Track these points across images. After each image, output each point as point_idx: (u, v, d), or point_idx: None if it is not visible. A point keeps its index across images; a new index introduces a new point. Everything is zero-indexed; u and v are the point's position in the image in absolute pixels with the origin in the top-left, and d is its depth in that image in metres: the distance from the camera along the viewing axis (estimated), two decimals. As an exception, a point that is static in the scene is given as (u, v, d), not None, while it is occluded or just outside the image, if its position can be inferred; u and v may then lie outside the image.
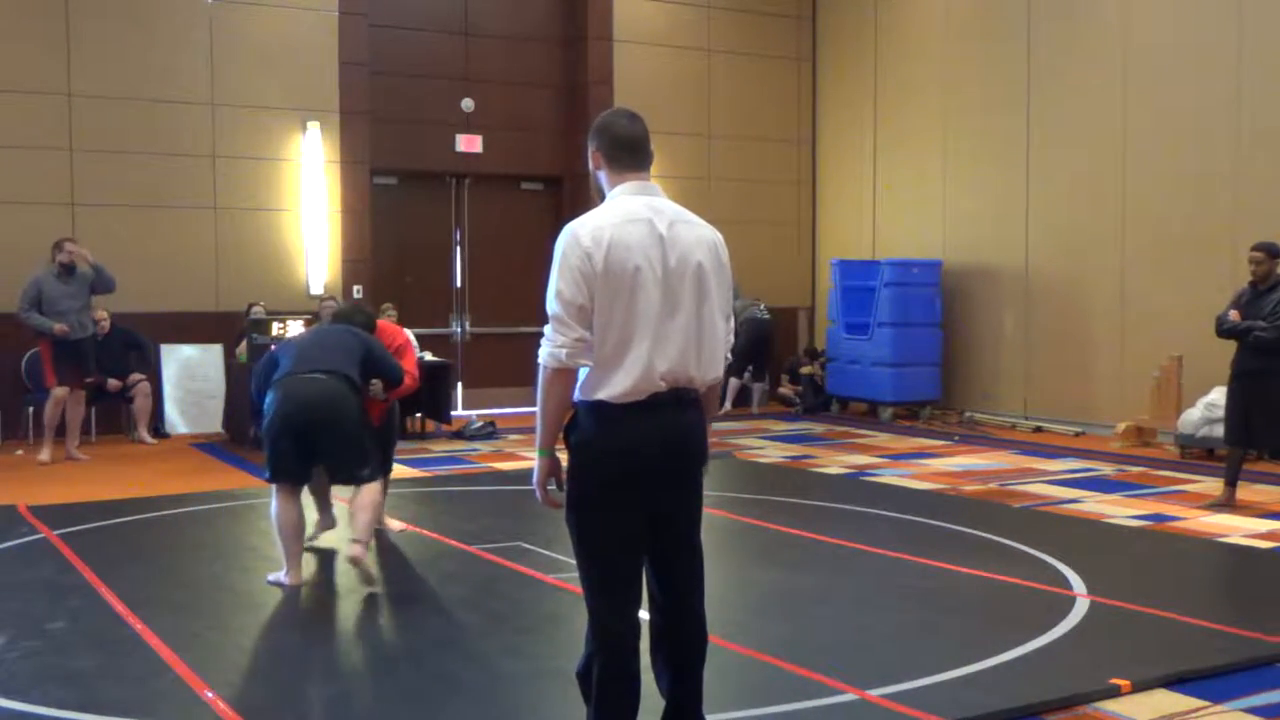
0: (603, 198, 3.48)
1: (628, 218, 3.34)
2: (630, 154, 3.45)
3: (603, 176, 3.50)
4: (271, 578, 6.12)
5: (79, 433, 11.08)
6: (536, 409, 3.39)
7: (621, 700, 3.39)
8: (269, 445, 6.00)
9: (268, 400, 6.01)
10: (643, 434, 3.33)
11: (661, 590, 3.50)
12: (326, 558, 6.76)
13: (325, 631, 5.34)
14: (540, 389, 3.35)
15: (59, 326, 10.09)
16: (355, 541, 5.94)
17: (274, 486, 6.04)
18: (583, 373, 3.35)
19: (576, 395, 3.37)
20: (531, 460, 3.48)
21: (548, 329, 3.31)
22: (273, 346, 6.57)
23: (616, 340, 3.30)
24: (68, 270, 10.23)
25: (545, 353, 3.31)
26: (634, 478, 3.35)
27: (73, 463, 10.30)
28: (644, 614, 3.45)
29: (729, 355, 3.56)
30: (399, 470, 9.83)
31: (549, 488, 3.45)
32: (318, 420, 5.91)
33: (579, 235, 3.30)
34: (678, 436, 3.40)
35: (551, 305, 3.30)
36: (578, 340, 3.28)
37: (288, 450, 5.94)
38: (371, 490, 6.09)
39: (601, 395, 3.32)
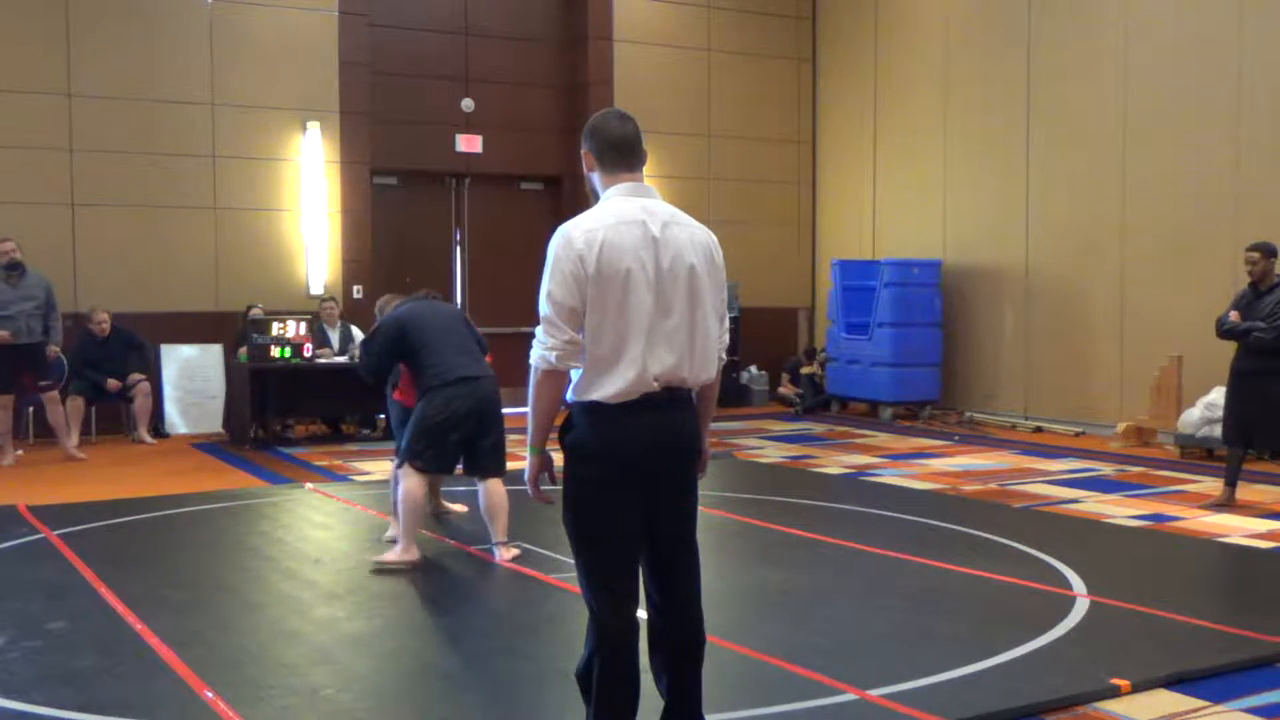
0: (597, 199, 3.49)
1: (621, 219, 3.35)
2: (622, 155, 3.46)
3: (596, 178, 3.51)
4: (381, 559, 6.32)
5: (76, 432, 11.06)
6: (527, 409, 3.41)
7: (621, 700, 3.40)
8: (433, 437, 6.34)
9: (434, 399, 6.34)
10: (637, 433, 3.35)
11: (659, 590, 3.50)
12: (326, 557, 6.76)
13: (325, 631, 5.33)
14: (530, 390, 3.37)
15: (2, 333, 9.84)
16: (505, 544, 6.51)
17: (410, 468, 6.35)
18: (575, 373, 3.36)
19: (570, 395, 3.39)
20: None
21: (539, 330, 3.33)
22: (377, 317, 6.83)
23: (610, 342, 3.31)
24: (14, 271, 9.98)
25: (536, 354, 3.33)
26: (629, 477, 3.36)
27: (72, 461, 10.28)
28: (642, 614, 3.45)
29: (723, 356, 3.57)
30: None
31: (541, 485, 3.47)
32: (486, 420, 6.46)
33: (572, 237, 3.31)
34: (671, 436, 3.42)
35: (543, 307, 3.32)
36: (568, 343, 3.30)
37: (455, 444, 6.41)
38: (501, 491, 6.56)
39: (595, 396, 3.34)
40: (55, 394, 10.41)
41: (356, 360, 6.90)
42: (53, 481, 9.34)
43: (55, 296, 10.33)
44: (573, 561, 3.49)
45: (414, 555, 6.34)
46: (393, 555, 6.36)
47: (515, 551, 6.54)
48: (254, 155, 12.59)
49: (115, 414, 11.82)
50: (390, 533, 7.12)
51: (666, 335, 3.35)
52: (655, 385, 3.34)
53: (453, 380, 6.37)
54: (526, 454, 3.47)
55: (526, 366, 3.39)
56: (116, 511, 7.93)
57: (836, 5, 15.32)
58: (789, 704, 4.22)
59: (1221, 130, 10.92)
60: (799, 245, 15.70)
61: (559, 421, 3.45)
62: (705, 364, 3.46)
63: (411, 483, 6.34)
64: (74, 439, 11.00)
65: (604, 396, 3.33)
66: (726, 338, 3.56)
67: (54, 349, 10.38)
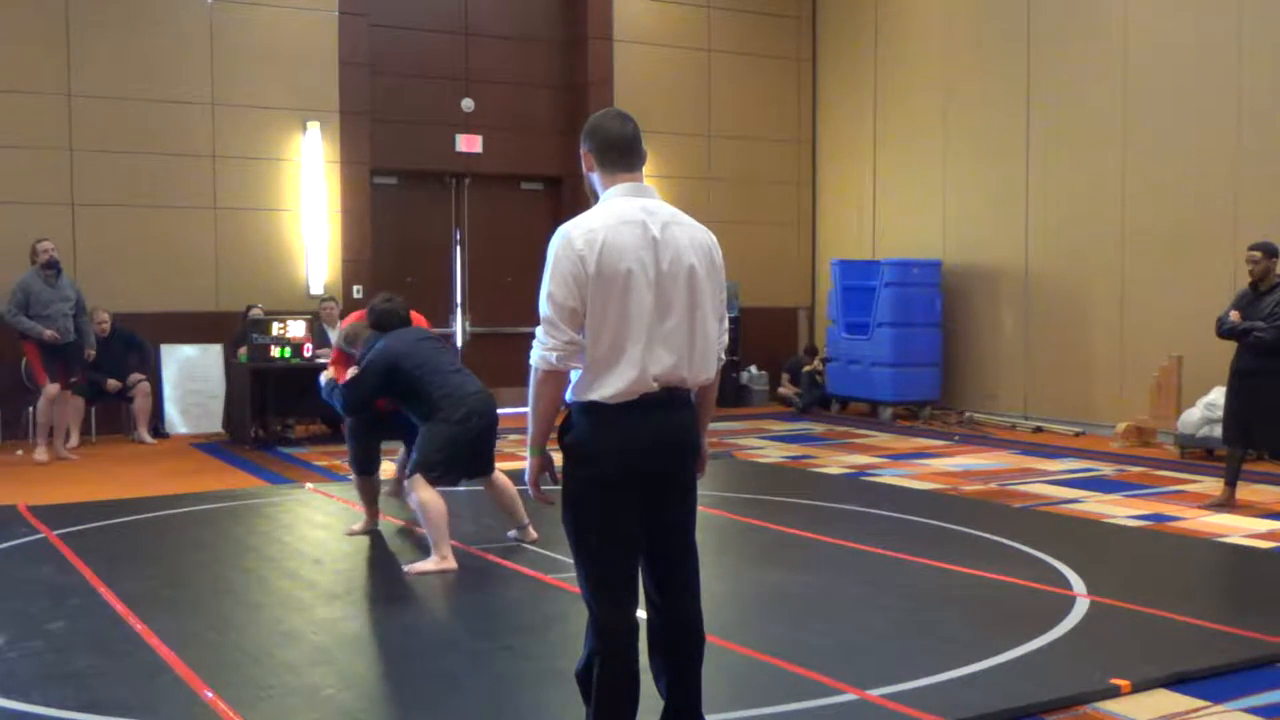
0: (597, 199, 3.49)
1: (621, 220, 3.35)
2: (622, 155, 3.46)
3: (595, 178, 3.51)
4: (415, 568, 6.27)
5: (76, 433, 11.11)
6: (528, 410, 3.41)
7: (621, 700, 3.40)
8: (450, 453, 6.42)
9: (451, 417, 6.39)
10: (636, 434, 3.35)
11: (658, 590, 3.51)
12: (326, 557, 6.77)
13: (324, 632, 5.33)
14: (531, 391, 3.37)
15: (49, 332, 10.06)
16: (526, 526, 6.88)
17: (424, 480, 6.36)
18: (575, 373, 3.37)
19: (570, 396, 3.40)
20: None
21: (539, 331, 3.33)
22: (369, 353, 6.83)
23: (610, 342, 3.31)
24: (51, 270, 10.21)
25: (536, 355, 3.33)
26: (628, 477, 3.36)
27: (64, 462, 10.28)
28: (642, 614, 3.46)
29: (723, 356, 3.58)
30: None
31: (542, 485, 3.48)
32: (493, 430, 6.68)
33: (572, 238, 3.31)
34: (671, 436, 3.42)
35: (544, 308, 3.32)
36: (568, 343, 3.30)
37: (470, 456, 6.56)
38: (506, 479, 6.89)
39: (595, 396, 3.34)
40: (70, 393, 10.59)
41: (339, 397, 6.88)
42: (53, 481, 9.34)
43: (84, 299, 10.58)
44: (572, 561, 3.49)
45: (451, 564, 6.32)
46: (429, 564, 6.30)
47: (533, 532, 6.90)
48: (254, 155, 12.59)
49: (115, 414, 11.82)
50: (357, 525, 7.26)
51: (666, 336, 3.35)
52: (654, 386, 3.35)
53: (466, 396, 6.48)
54: (526, 454, 3.47)
55: (526, 366, 3.40)
56: (116, 511, 7.93)
57: (836, 5, 15.32)
58: (789, 704, 4.22)
59: (1221, 130, 10.92)
60: (799, 245, 15.70)
61: (559, 422, 3.45)
62: (705, 364, 3.47)
63: (427, 493, 6.35)
64: (74, 439, 11.03)
65: (603, 397, 3.33)
66: (725, 338, 3.57)
67: (90, 351, 10.64)
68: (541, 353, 3.32)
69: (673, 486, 3.48)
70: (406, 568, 6.33)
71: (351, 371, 6.84)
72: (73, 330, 10.36)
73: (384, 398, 6.76)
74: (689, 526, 3.54)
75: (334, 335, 11.76)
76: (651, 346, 3.33)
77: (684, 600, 3.51)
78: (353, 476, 7.34)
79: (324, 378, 7.20)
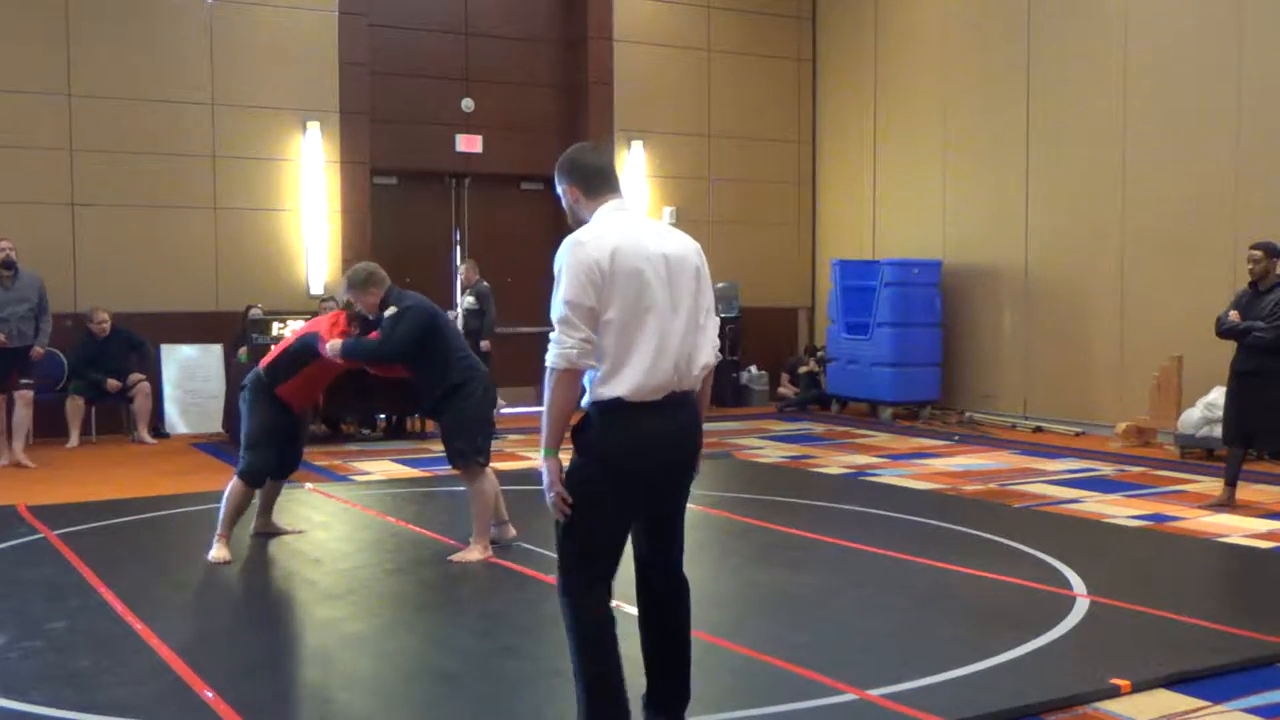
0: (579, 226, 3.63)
1: (626, 225, 3.54)
2: (605, 179, 3.66)
3: (580, 208, 3.66)
4: (460, 558, 6.44)
5: (76, 433, 11.08)
6: (543, 410, 3.49)
7: (611, 691, 3.49)
8: (488, 429, 6.66)
9: (474, 392, 6.45)
10: (651, 432, 3.48)
11: (649, 546, 3.68)
12: (326, 558, 6.76)
13: (325, 631, 5.33)
14: (548, 391, 3.43)
15: None
16: (507, 523, 6.81)
17: (479, 467, 6.47)
18: (590, 374, 3.46)
19: (588, 396, 3.49)
20: (531, 459, 3.55)
21: (554, 334, 3.41)
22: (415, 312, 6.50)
23: (625, 342, 3.42)
24: (8, 270, 9.92)
25: (554, 354, 3.39)
26: (641, 474, 3.50)
27: (56, 464, 10.15)
28: (632, 610, 3.47)
29: (718, 355, 3.73)
30: (398, 470, 9.83)
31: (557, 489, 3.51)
32: None
33: (584, 242, 3.45)
34: (683, 434, 3.58)
35: (558, 309, 3.41)
36: (584, 341, 3.39)
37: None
38: (493, 475, 6.75)
39: (612, 394, 3.43)
40: (30, 395, 10.20)
41: (372, 347, 6.41)
42: (53, 481, 9.34)
43: (47, 298, 10.25)
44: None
45: (490, 553, 6.53)
46: (475, 555, 6.47)
47: (513, 530, 6.87)
48: (254, 155, 12.59)
49: (115, 414, 11.82)
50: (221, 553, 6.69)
51: (676, 333, 3.51)
52: (668, 381, 3.47)
53: (482, 372, 6.63)
54: (541, 455, 3.50)
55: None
56: (116, 511, 7.92)
57: (836, 5, 15.32)
58: (789, 704, 4.22)
59: (1221, 130, 10.92)
60: (799, 245, 15.70)
61: (574, 422, 3.54)
62: (707, 355, 3.65)
63: (488, 484, 6.50)
64: (73, 439, 11.03)
65: (620, 394, 3.43)
66: (716, 336, 3.74)
67: (39, 350, 10.22)
68: (560, 351, 3.38)
69: (678, 480, 3.66)
70: (452, 558, 6.48)
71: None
72: (30, 334, 10.03)
73: (414, 352, 6.42)
74: (682, 504, 3.74)
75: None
76: (664, 343, 3.47)
77: (672, 552, 3.70)
78: (237, 482, 6.66)
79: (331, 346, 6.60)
